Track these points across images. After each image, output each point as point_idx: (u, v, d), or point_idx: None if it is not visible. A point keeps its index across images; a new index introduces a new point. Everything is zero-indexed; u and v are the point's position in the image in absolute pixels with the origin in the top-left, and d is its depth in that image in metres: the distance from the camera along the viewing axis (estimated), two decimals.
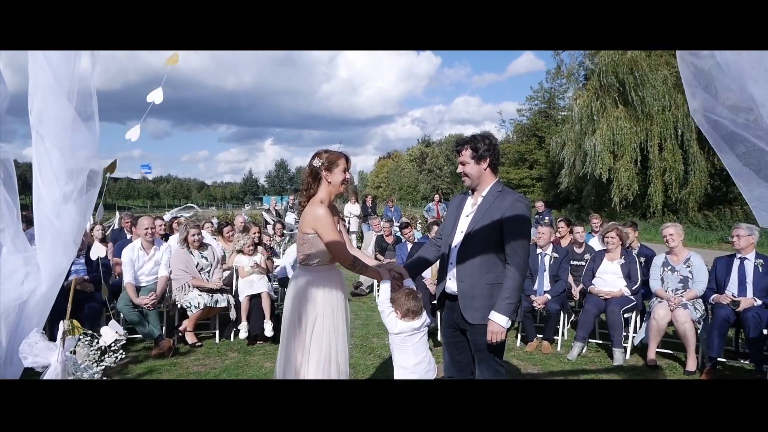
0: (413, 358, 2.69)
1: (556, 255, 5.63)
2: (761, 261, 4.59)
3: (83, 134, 1.72)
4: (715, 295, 4.70)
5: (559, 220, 7.57)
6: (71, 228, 1.60)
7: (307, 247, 2.75)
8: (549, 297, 5.39)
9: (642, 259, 5.59)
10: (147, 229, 5.46)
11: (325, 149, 2.85)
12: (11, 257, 1.65)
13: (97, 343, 1.78)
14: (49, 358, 1.64)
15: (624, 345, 5.04)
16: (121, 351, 1.91)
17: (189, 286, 5.47)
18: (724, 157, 1.63)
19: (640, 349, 5.14)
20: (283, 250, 7.72)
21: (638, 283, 5.22)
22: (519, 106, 36.77)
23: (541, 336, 5.42)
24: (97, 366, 1.80)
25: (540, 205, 12.94)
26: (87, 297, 5.03)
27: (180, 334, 5.42)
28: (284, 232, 7.98)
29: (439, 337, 3.26)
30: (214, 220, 9.90)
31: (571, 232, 6.76)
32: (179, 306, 5.45)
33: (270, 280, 6.02)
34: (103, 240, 6.89)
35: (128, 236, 7.12)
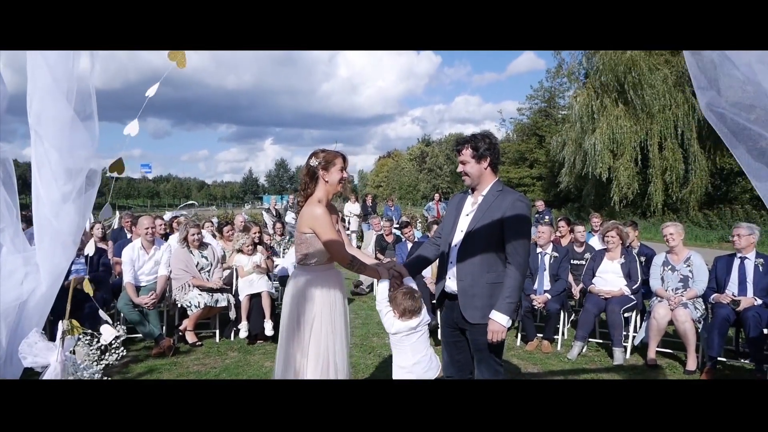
0: (411, 357, 2.68)
1: (556, 254, 5.63)
2: (761, 260, 4.58)
3: (82, 134, 1.72)
4: (716, 294, 4.70)
5: (559, 219, 7.57)
6: (70, 228, 1.60)
7: (305, 246, 2.74)
8: (549, 296, 5.39)
9: (642, 259, 5.59)
10: (148, 228, 5.46)
11: (322, 149, 2.85)
12: (11, 257, 1.65)
13: (97, 342, 1.78)
14: (49, 358, 1.64)
15: (624, 344, 5.04)
16: (122, 348, 1.91)
17: (189, 286, 5.47)
18: (735, 152, 1.62)
19: (641, 348, 5.14)
20: (284, 250, 7.73)
21: (638, 283, 5.22)
22: (519, 105, 36.84)
23: (542, 335, 5.42)
24: (96, 365, 1.80)
25: (540, 204, 12.94)
26: (87, 296, 5.01)
27: (180, 333, 5.42)
28: (284, 231, 7.97)
29: (439, 336, 3.26)
30: (214, 220, 9.91)
31: (571, 231, 6.76)
32: (179, 305, 5.45)
33: (270, 279, 6.02)
34: (103, 239, 6.90)
35: (128, 236, 7.12)
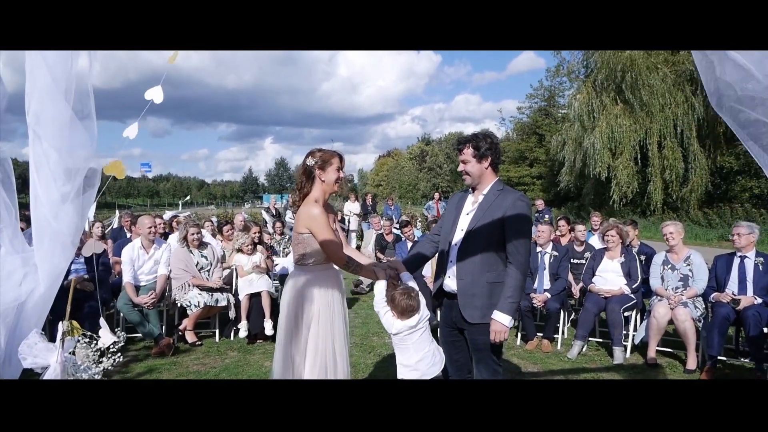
0: (414, 355, 2.67)
1: (556, 253, 5.63)
2: (761, 259, 4.58)
3: (81, 134, 1.72)
4: (715, 293, 4.70)
5: (559, 218, 7.56)
6: (69, 229, 1.59)
7: (302, 246, 2.74)
8: (549, 295, 5.38)
9: (642, 258, 5.58)
10: (150, 228, 5.46)
11: (319, 148, 2.84)
12: (9, 258, 1.64)
13: (96, 344, 1.77)
14: (49, 359, 1.63)
15: (624, 343, 5.03)
16: (119, 354, 1.90)
17: (189, 285, 5.46)
18: (748, 145, 1.61)
19: (641, 347, 5.14)
20: (283, 249, 7.72)
21: (638, 282, 5.22)
22: (519, 104, 36.76)
23: (541, 334, 5.42)
24: (96, 367, 1.80)
25: (540, 203, 12.93)
26: (87, 296, 5.02)
27: (180, 333, 5.42)
28: (284, 230, 7.96)
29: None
30: (214, 219, 9.89)
31: (571, 230, 6.76)
32: (179, 305, 5.44)
33: (270, 278, 6.01)
34: (102, 238, 6.89)
35: (128, 235, 7.12)
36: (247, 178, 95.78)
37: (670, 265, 5.01)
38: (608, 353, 5.10)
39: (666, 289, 4.94)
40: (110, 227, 8.91)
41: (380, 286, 2.74)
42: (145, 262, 5.42)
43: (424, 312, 2.70)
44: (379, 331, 5.75)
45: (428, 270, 5.92)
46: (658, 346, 4.90)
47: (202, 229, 6.11)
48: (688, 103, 19.25)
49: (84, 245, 2.10)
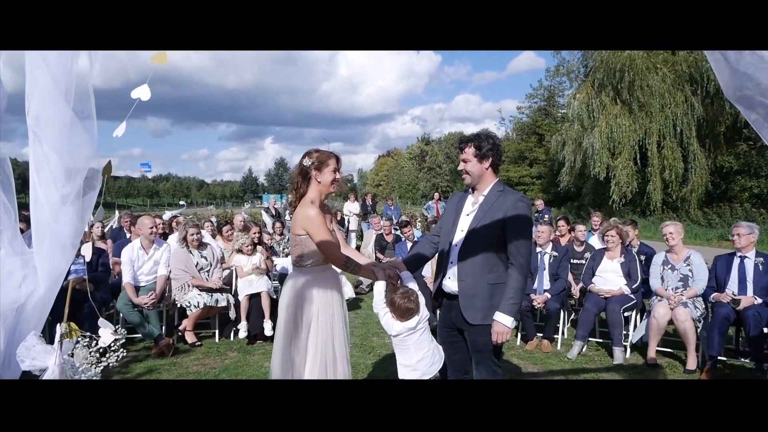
0: (415, 355, 2.67)
1: (555, 253, 5.62)
2: (761, 259, 4.58)
3: (81, 134, 1.71)
4: (716, 293, 4.69)
5: (558, 218, 7.56)
6: (69, 231, 1.59)
7: (300, 248, 2.73)
8: (549, 296, 5.38)
9: (642, 258, 5.58)
10: (151, 228, 5.45)
11: (315, 149, 2.82)
12: (9, 260, 1.64)
13: (96, 344, 1.77)
14: (47, 361, 1.63)
15: (624, 344, 5.03)
16: (122, 350, 1.90)
17: (188, 286, 5.46)
18: (763, 134, 1.59)
19: (641, 347, 5.14)
20: (283, 249, 7.71)
21: (638, 282, 5.22)
22: (519, 104, 36.76)
23: (541, 335, 5.42)
24: (95, 368, 1.79)
25: (539, 203, 12.92)
26: (86, 296, 5.01)
27: (180, 333, 5.42)
28: (284, 231, 7.96)
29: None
30: (213, 219, 9.89)
31: (571, 230, 6.75)
32: (179, 305, 5.44)
33: (270, 279, 6.01)
34: (102, 238, 6.89)
35: (128, 235, 7.11)
36: (246, 178, 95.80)
37: (670, 266, 5.01)
38: (608, 353, 5.10)
39: (666, 290, 4.93)
40: (110, 227, 8.90)
41: (379, 287, 2.74)
42: (144, 263, 5.42)
43: (423, 313, 2.69)
44: (378, 331, 5.75)
45: (428, 270, 5.92)
46: (658, 346, 4.90)
47: (201, 230, 6.10)
48: (687, 103, 19.25)
49: (82, 246, 2.09)
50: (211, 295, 5.46)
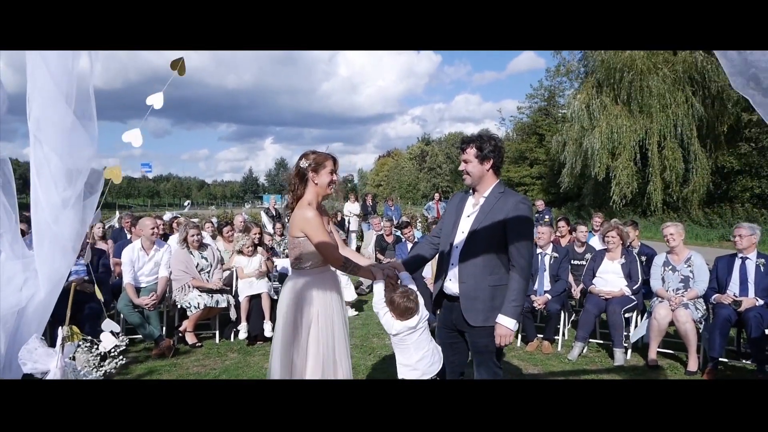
0: (415, 354, 2.67)
1: (556, 255, 5.62)
2: (763, 260, 4.57)
3: (82, 136, 1.71)
4: (717, 294, 4.68)
5: (559, 219, 7.55)
6: (70, 234, 1.58)
7: (298, 250, 2.72)
8: (549, 297, 5.38)
9: (643, 258, 5.57)
10: (152, 229, 5.45)
11: (312, 150, 2.82)
12: (10, 263, 1.63)
13: (97, 348, 1.76)
14: (49, 364, 1.62)
15: (625, 345, 5.02)
16: (121, 357, 1.89)
17: (189, 287, 5.46)
18: None
19: (641, 348, 5.13)
20: (283, 250, 7.71)
21: (639, 283, 5.21)
22: (519, 104, 36.72)
23: (542, 336, 5.41)
24: (96, 372, 1.79)
25: (540, 204, 12.90)
26: (87, 298, 5.01)
27: (180, 334, 5.41)
28: (284, 231, 7.96)
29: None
30: (214, 220, 9.89)
31: (571, 231, 6.75)
32: (179, 306, 5.44)
33: (270, 280, 6.01)
34: (103, 238, 6.89)
35: (128, 236, 7.11)
36: (247, 178, 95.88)
37: (670, 267, 5.00)
38: (609, 355, 5.09)
39: (667, 291, 4.92)
40: (110, 227, 8.90)
41: (379, 287, 2.74)
42: (145, 264, 5.42)
43: (423, 312, 2.70)
44: (379, 332, 5.74)
45: (428, 271, 5.91)
46: (658, 347, 4.89)
47: (202, 231, 6.10)
48: (688, 103, 19.24)
49: (86, 249, 2.09)
50: (212, 296, 5.46)
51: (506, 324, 2.61)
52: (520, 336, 5.57)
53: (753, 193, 19.57)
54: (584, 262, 5.86)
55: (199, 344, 5.38)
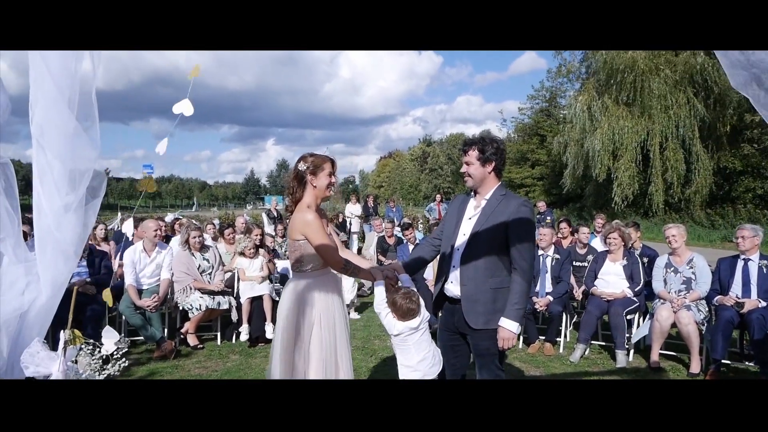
0: (416, 355, 2.67)
1: (557, 256, 5.61)
2: (765, 262, 4.56)
3: (84, 140, 1.71)
4: (719, 296, 4.67)
5: (560, 220, 7.54)
6: (72, 239, 1.59)
7: (298, 253, 2.73)
8: (551, 298, 5.37)
9: (645, 260, 5.56)
10: (155, 231, 5.47)
11: (310, 153, 2.82)
12: (12, 267, 1.64)
13: (99, 351, 1.77)
14: (51, 367, 1.63)
15: (627, 347, 5.01)
16: (123, 359, 1.90)
17: (191, 288, 5.46)
18: None
19: (643, 350, 5.12)
20: (285, 251, 7.71)
21: (641, 285, 5.20)
22: (521, 105, 36.69)
23: (544, 338, 5.40)
24: (99, 375, 1.79)
25: (541, 205, 12.88)
26: (89, 300, 5.03)
27: (182, 336, 5.42)
28: (285, 233, 7.97)
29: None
30: (216, 221, 9.88)
31: (573, 233, 6.74)
32: (181, 308, 5.44)
33: (271, 281, 6.01)
34: (105, 239, 6.89)
35: (130, 238, 7.11)
36: (249, 179, 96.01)
37: (672, 268, 4.99)
38: (611, 356, 5.09)
39: (669, 292, 4.91)
40: (112, 227, 8.91)
41: (380, 288, 2.74)
42: (146, 266, 5.43)
43: (424, 314, 2.70)
44: (380, 334, 5.74)
45: (430, 273, 5.91)
46: (661, 349, 4.88)
47: (203, 233, 6.11)
48: (689, 104, 19.23)
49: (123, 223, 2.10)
50: (213, 298, 5.46)
51: (509, 327, 2.61)
52: (521, 338, 5.56)
53: (755, 194, 19.53)
54: (586, 264, 5.85)
55: (201, 346, 5.38)
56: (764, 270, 4.54)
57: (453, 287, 2.82)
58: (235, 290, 5.89)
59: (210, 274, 5.67)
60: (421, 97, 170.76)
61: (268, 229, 9.76)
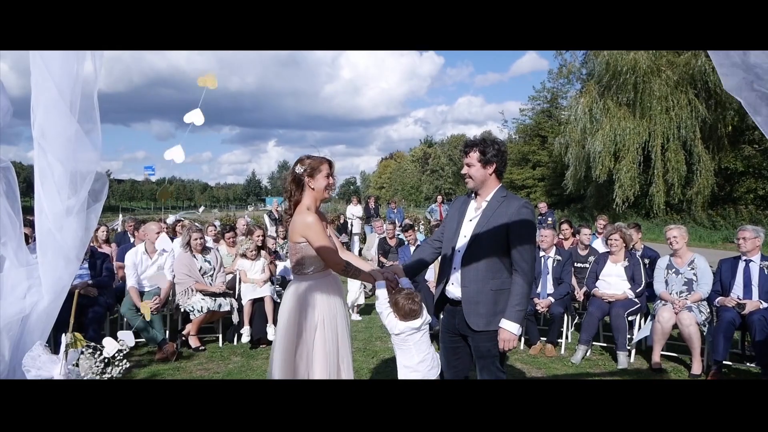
0: (416, 356, 2.67)
1: (559, 258, 5.61)
2: (767, 263, 4.55)
3: (86, 143, 1.72)
4: (720, 297, 4.67)
5: (562, 221, 7.53)
6: (73, 242, 1.59)
7: (299, 255, 2.73)
8: (552, 300, 5.37)
9: (646, 261, 5.56)
10: (158, 234, 5.47)
11: (307, 155, 2.82)
12: (13, 271, 1.64)
13: (100, 354, 1.77)
14: (52, 371, 1.63)
15: (628, 348, 5.01)
16: (125, 362, 1.90)
17: (192, 290, 5.47)
18: (765, 127, 1.55)
19: (645, 351, 5.11)
20: (286, 253, 7.72)
21: (642, 286, 5.19)
22: (522, 105, 36.66)
23: (545, 339, 5.40)
24: (101, 377, 1.79)
25: (543, 206, 12.89)
26: (91, 301, 5.04)
27: (183, 338, 5.42)
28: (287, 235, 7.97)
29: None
30: (217, 223, 9.89)
31: (575, 234, 6.73)
32: (182, 310, 5.45)
33: (273, 283, 6.01)
34: (107, 241, 6.91)
35: (131, 240, 7.13)
36: (250, 180, 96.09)
37: (674, 269, 4.98)
38: (612, 358, 5.08)
39: (670, 294, 4.91)
40: (113, 228, 8.92)
41: (381, 288, 2.75)
42: (148, 267, 5.43)
43: (426, 315, 2.71)
44: (382, 335, 5.75)
45: (431, 274, 5.91)
46: (662, 350, 4.87)
47: (205, 235, 6.11)
48: (691, 105, 19.23)
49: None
50: (215, 300, 5.47)
51: (510, 328, 2.61)
52: (523, 339, 5.56)
53: (757, 194, 19.50)
54: (587, 265, 5.85)
55: (203, 348, 5.39)
56: (765, 271, 4.54)
57: (454, 289, 2.82)
58: (237, 292, 5.89)
59: (211, 275, 5.67)
60: (422, 98, 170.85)
61: (271, 230, 9.76)
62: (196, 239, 5.62)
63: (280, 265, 6.74)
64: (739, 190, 20.02)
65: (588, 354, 5.21)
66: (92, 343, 1.79)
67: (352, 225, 13.25)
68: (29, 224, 4.35)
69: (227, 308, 5.54)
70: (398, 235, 8.76)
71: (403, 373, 2.72)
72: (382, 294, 2.73)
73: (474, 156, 2.74)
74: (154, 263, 5.46)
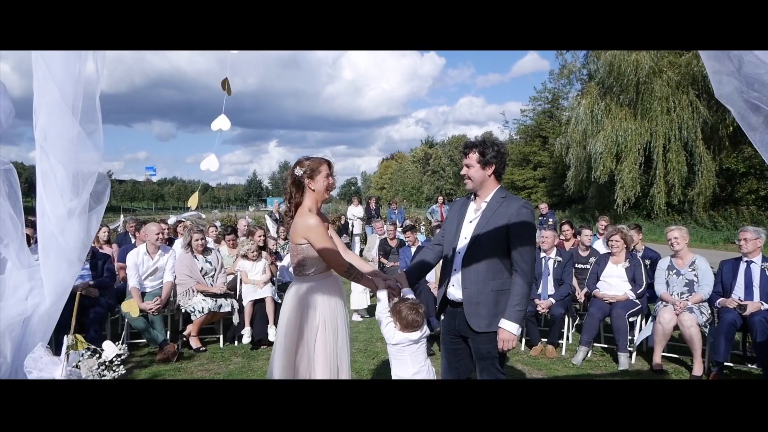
0: (411, 368, 2.65)
1: (560, 259, 5.60)
2: None
3: (87, 144, 1.72)
4: (722, 298, 4.66)
5: (563, 222, 7.52)
6: (75, 245, 1.59)
7: (301, 256, 2.73)
8: (553, 301, 5.36)
9: (647, 262, 5.55)
10: (158, 234, 5.48)
11: (306, 156, 2.83)
12: (15, 273, 1.65)
13: (99, 357, 1.78)
14: (54, 372, 1.64)
15: (629, 349, 5.00)
16: (122, 367, 1.91)
17: (193, 291, 5.47)
18: (753, 135, 1.56)
19: (646, 353, 5.10)
20: (287, 253, 7.72)
21: (643, 287, 5.19)
22: (523, 106, 36.64)
23: (546, 340, 5.40)
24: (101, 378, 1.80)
25: (544, 207, 12.88)
26: (92, 302, 5.04)
27: (184, 338, 5.43)
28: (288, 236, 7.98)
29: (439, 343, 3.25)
30: (217, 224, 9.90)
31: (576, 235, 6.73)
32: (183, 311, 5.45)
33: (273, 284, 6.02)
34: (108, 242, 6.92)
35: (132, 240, 7.13)
36: (251, 181, 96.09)
37: (675, 270, 4.98)
38: (613, 359, 5.08)
39: (671, 295, 4.90)
40: (115, 228, 8.93)
41: (383, 296, 2.73)
42: (149, 268, 5.44)
43: (425, 329, 2.69)
44: (383, 337, 5.73)
45: (432, 275, 5.90)
46: (663, 351, 4.87)
47: (206, 236, 6.12)
48: (692, 106, 19.21)
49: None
50: (216, 301, 5.47)
51: (509, 328, 2.61)
52: (524, 340, 5.56)
53: (758, 195, 19.47)
54: (588, 266, 5.84)
55: (203, 348, 5.39)
56: (767, 272, 4.53)
57: (455, 290, 2.82)
58: (238, 293, 5.90)
59: (212, 276, 5.68)
60: (423, 99, 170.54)
61: (273, 231, 9.76)
62: (197, 240, 5.63)
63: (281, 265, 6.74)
64: (741, 190, 19.99)
65: (589, 355, 5.21)
66: (92, 346, 1.79)
67: (353, 226, 13.25)
68: (31, 225, 4.36)
69: (228, 309, 5.54)
70: (399, 235, 8.76)
71: None
72: (382, 301, 2.71)
73: (473, 157, 2.75)
74: (155, 264, 5.47)
